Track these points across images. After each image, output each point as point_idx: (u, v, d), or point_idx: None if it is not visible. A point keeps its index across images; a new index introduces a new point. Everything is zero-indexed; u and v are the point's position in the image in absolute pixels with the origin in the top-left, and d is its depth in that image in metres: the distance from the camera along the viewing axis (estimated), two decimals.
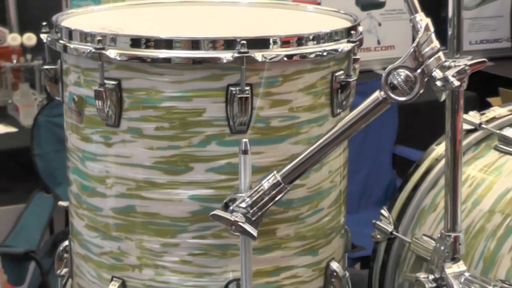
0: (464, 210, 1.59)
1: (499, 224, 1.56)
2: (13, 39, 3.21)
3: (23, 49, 3.23)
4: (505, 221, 1.55)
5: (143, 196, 1.44)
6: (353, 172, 2.86)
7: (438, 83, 1.30)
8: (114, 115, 1.42)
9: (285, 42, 1.40)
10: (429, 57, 1.28)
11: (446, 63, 1.32)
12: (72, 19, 1.62)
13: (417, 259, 1.64)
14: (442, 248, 1.43)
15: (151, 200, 1.44)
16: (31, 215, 2.73)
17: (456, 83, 1.31)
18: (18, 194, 2.85)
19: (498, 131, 1.70)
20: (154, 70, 1.39)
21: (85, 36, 1.43)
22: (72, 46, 1.45)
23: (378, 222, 1.72)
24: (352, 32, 1.49)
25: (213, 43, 1.37)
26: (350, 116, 1.34)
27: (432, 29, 1.28)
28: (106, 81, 1.40)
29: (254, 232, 1.33)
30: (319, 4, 3.51)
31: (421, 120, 3.40)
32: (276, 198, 1.36)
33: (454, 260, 1.43)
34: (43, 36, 1.54)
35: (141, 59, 1.38)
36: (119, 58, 1.38)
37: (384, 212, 1.72)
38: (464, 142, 1.68)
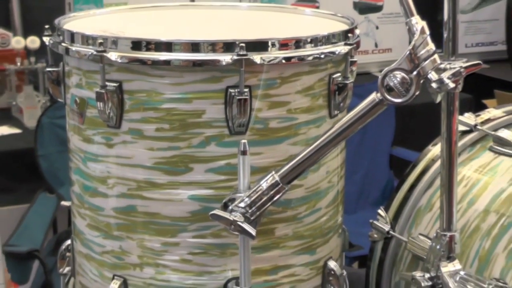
0: (459, 210, 1.59)
1: (494, 223, 1.56)
2: (17, 42, 3.21)
3: (27, 52, 3.23)
4: (499, 221, 1.55)
5: (144, 196, 1.44)
6: (351, 173, 2.87)
7: (434, 85, 1.30)
8: (115, 116, 1.42)
9: (283, 44, 1.40)
10: (425, 59, 1.27)
11: (442, 65, 1.32)
12: (74, 22, 1.62)
13: (413, 258, 1.64)
14: (438, 247, 1.43)
15: (151, 200, 1.44)
16: (34, 215, 2.73)
17: (451, 85, 1.31)
18: (22, 194, 2.85)
19: (493, 132, 1.70)
20: (154, 72, 1.39)
21: (87, 39, 1.43)
22: (74, 48, 1.45)
23: (375, 222, 1.71)
24: (349, 35, 1.49)
25: (213, 46, 1.37)
26: (347, 118, 1.34)
27: (427, 32, 1.28)
28: (107, 83, 1.40)
29: (252, 231, 1.33)
30: (317, 7, 3.52)
31: (417, 122, 3.40)
32: (275, 198, 1.36)
33: (450, 259, 1.43)
34: (46, 39, 1.54)
35: (142, 62, 1.38)
36: (120, 61, 1.38)
37: (381, 212, 1.72)
38: (460, 143, 1.68)
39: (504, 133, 1.69)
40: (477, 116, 1.75)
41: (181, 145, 1.41)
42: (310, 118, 1.46)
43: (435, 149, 1.72)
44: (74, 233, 1.61)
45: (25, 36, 3.25)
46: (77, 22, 1.62)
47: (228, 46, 1.36)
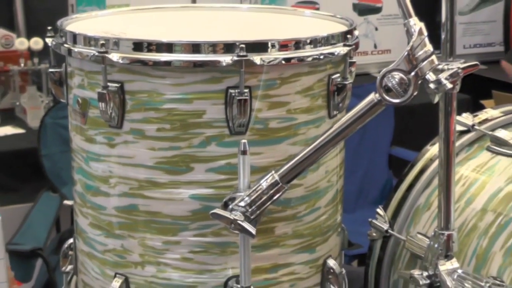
0: (457, 209, 1.59)
1: (491, 222, 1.56)
2: (21, 43, 3.21)
3: (31, 53, 3.23)
4: (497, 220, 1.55)
5: (145, 195, 1.44)
6: (351, 172, 2.86)
7: (432, 86, 1.30)
8: (117, 116, 1.42)
9: (283, 45, 1.40)
10: (423, 60, 1.27)
11: (440, 66, 1.32)
12: (76, 23, 1.62)
13: (412, 257, 1.64)
14: (436, 245, 1.43)
15: (153, 199, 1.43)
16: (38, 213, 2.73)
17: (449, 85, 1.31)
18: (26, 194, 2.85)
19: (490, 132, 1.70)
20: (155, 73, 1.39)
21: (89, 40, 1.43)
22: (76, 49, 1.44)
23: (374, 221, 1.71)
24: (348, 36, 1.49)
25: (213, 47, 1.37)
26: (346, 118, 1.34)
27: (425, 33, 1.28)
28: (109, 84, 1.40)
29: (252, 230, 1.33)
30: (317, 9, 3.52)
31: (416, 122, 3.39)
32: (274, 197, 1.36)
33: (448, 257, 1.43)
34: (49, 40, 1.54)
35: (143, 62, 1.38)
36: (121, 62, 1.38)
37: (379, 211, 1.72)
38: (457, 143, 1.68)
39: (501, 133, 1.69)
40: (474, 116, 1.75)
41: (182, 145, 1.40)
42: (310, 118, 1.46)
43: (433, 149, 1.72)
44: (77, 232, 1.60)
45: (29, 37, 3.24)
46: (79, 23, 1.62)
47: (228, 47, 1.36)
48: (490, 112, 1.77)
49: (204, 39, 1.40)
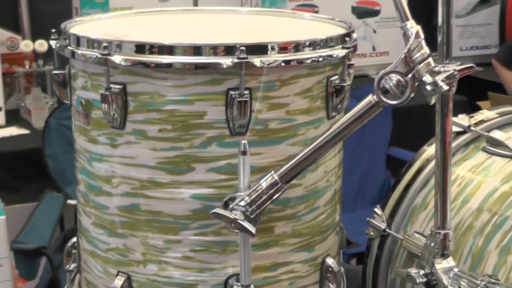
0: (453, 208, 1.59)
1: (486, 221, 1.56)
2: (26, 45, 3.21)
3: (35, 55, 3.23)
4: (492, 219, 1.55)
5: (147, 195, 1.44)
6: (349, 172, 2.86)
7: (428, 88, 1.30)
8: (120, 117, 1.42)
9: (283, 48, 1.40)
10: (420, 62, 1.27)
11: (436, 68, 1.32)
12: (80, 26, 1.62)
13: (409, 255, 1.64)
14: (432, 244, 1.43)
15: (154, 199, 1.43)
16: (42, 213, 2.73)
17: (445, 87, 1.31)
18: (30, 193, 2.85)
19: (486, 133, 1.70)
20: (157, 75, 1.39)
21: (92, 43, 1.43)
22: (79, 52, 1.44)
23: (372, 220, 1.71)
24: (347, 38, 1.49)
25: (214, 49, 1.37)
26: (344, 119, 1.34)
27: (422, 35, 1.28)
28: (112, 85, 1.40)
29: (252, 229, 1.32)
30: (316, 12, 3.52)
31: (414, 123, 3.40)
32: (274, 197, 1.35)
33: (444, 256, 1.43)
34: (53, 43, 1.54)
35: (145, 64, 1.38)
36: (124, 64, 1.38)
37: (377, 210, 1.71)
38: (454, 144, 1.68)
39: (497, 134, 1.68)
40: (470, 117, 1.75)
41: (183, 145, 1.40)
42: (309, 120, 1.46)
43: (430, 150, 1.71)
44: (80, 231, 1.60)
45: (34, 39, 3.24)
46: (82, 26, 1.62)
47: (229, 50, 1.36)
48: (486, 114, 1.77)
49: (205, 41, 1.39)
